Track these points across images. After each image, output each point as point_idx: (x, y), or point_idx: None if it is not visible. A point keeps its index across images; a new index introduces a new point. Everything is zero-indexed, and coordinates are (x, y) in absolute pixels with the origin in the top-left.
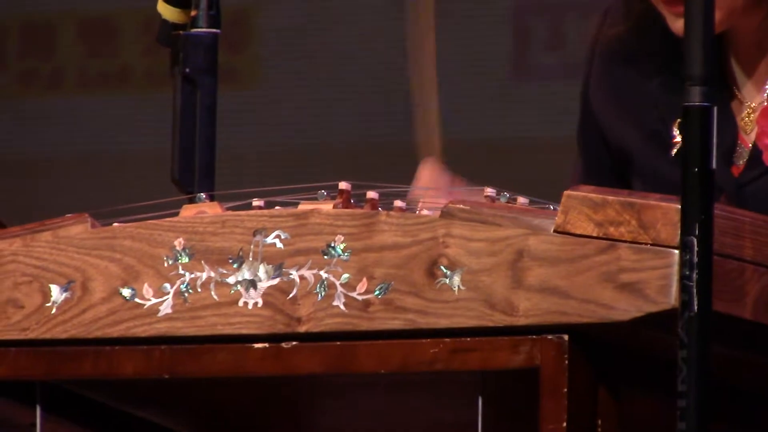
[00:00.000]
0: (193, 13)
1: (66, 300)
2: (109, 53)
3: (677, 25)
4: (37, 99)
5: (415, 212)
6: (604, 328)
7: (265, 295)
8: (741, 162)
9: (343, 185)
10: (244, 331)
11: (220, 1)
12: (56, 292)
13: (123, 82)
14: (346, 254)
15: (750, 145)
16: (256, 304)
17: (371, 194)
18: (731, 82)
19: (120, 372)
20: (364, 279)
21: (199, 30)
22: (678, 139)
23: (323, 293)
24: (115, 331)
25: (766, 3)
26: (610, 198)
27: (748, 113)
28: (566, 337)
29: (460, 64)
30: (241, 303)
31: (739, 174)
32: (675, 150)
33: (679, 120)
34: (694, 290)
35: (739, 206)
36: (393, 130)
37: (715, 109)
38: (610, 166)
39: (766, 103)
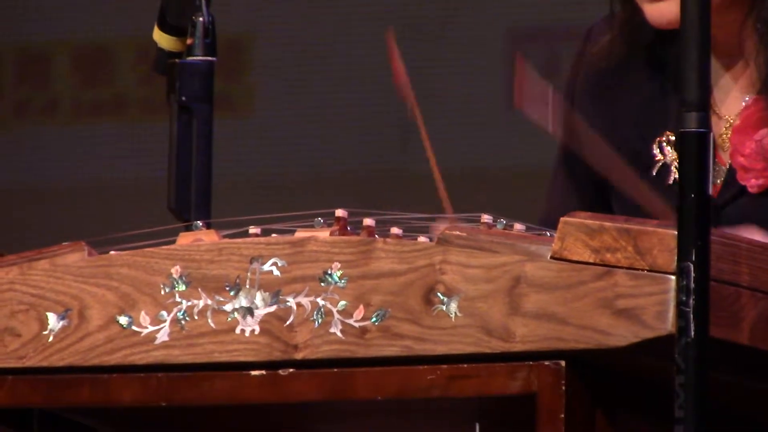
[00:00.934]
0: (189, 41)
1: (63, 328)
2: (105, 82)
3: (652, 10)
4: (33, 128)
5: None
6: (601, 354)
7: (262, 322)
8: (718, 181)
9: (339, 212)
10: (241, 359)
11: (216, 30)
12: (53, 320)
13: (118, 110)
14: (342, 281)
15: (727, 163)
16: (253, 331)
17: (368, 221)
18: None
19: (117, 400)
20: (361, 306)
21: (194, 58)
22: (659, 157)
23: (320, 320)
24: (113, 359)
25: (744, 5)
26: (607, 224)
27: (726, 129)
28: (563, 363)
29: (456, 92)
30: (238, 330)
31: (716, 194)
32: (656, 169)
33: (659, 138)
34: (691, 316)
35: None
36: (389, 157)
37: (711, 135)
38: (593, 193)
39: (737, 121)
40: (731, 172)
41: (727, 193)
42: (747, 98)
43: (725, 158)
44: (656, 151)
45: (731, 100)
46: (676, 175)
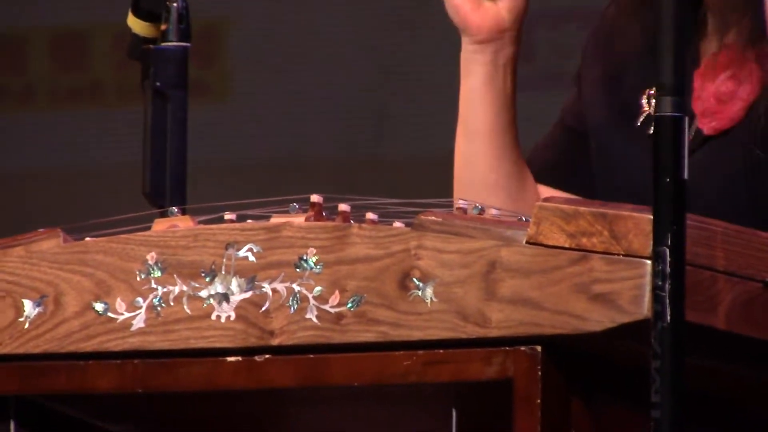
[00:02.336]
0: (163, 27)
1: (39, 315)
2: (81, 68)
3: None
4: (8, 114)
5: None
6: (577, 339)
7: (237, 308)
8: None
9: (314, 198)
10: (217, 345)
11: (190, 15)
12: (29, 307)
13: (94, 96)
14: (318, 267)
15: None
16: (228, 317)
17: (343, 207)
18: (702, 50)
19: (94, 386)
20: (337, 292)
21: (169, 44)
22: (645, 108)
23: (296, 306)
24: (89, 346)
25: None
26: (582, 209)
27: None
28: (539, 348)
29: (431, 77)
30: (213, 316)
31: None
32: (642, 119)
33: (648, 90)
34: (667, 300)
35: None
36: (364, 142)
37: (687, 119)
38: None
39: (701, 66)
40: (693, 118)
41: (692, 144)
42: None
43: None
44: (644, 101)
45: (707, 47)
46: None
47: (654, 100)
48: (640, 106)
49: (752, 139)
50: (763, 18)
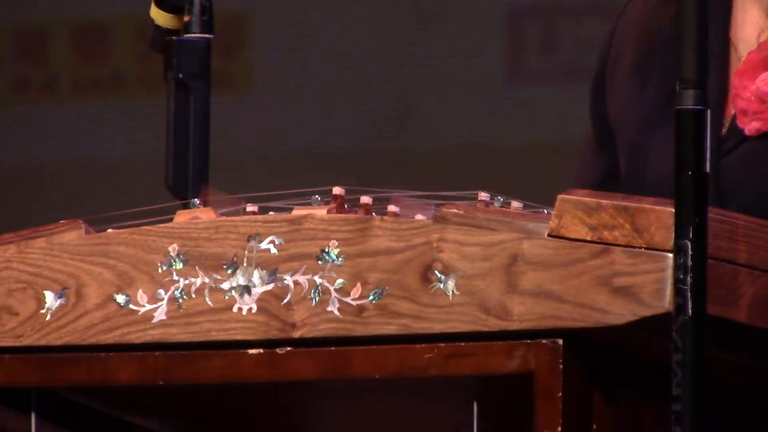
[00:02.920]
0: (186, 18)
1: (60, 306)
2: (103, 60)
3: None
4: (31, 106)
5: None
6: (598, 332)
7: (259, 300)
8: (724, 130)
9: (336, 190)
10: (239, 337)
11: (213, 7)
12: (50, 299)
13: (116, 88)
14: (340, 259)
15: (732, 113)
16: (250, 309)
17: (365, 199)
18: (732, 38)
19: (114, 378)
20: (359, 284)
21: (191, 35)
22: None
23: (317, 299)
24: (110, 338)
25: None
26: (604, 202)
27: None
28: (561, 341)
29: (454, 69)
30: (235, 309)
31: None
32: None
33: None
34: (689, 294)
35: (717, 177)
36: (387, 135)
37: (708, 112)
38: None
39: (741, 64)
40: (734, 119)
41: (729, 141)
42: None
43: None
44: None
45: (751, 46)
46: None
47: None
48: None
49: None
50: None
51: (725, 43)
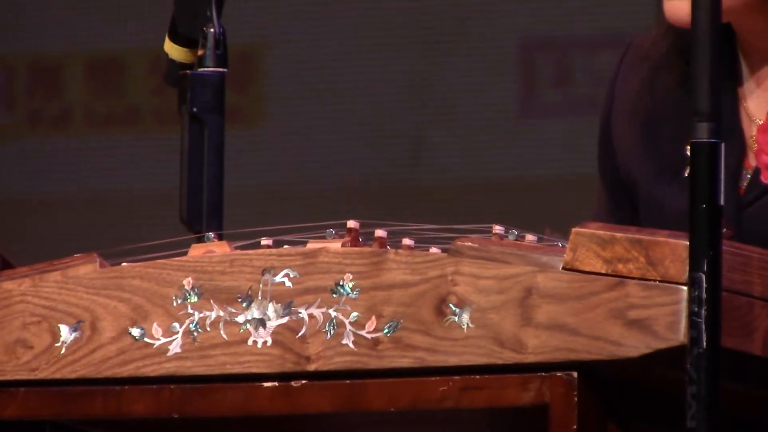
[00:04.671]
0: (200, 52)
1: (75, 340)
2: (117, 93)
3: (669, 6)
4: (45, 139)
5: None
6: (613, 364)
7: (274, 333)
8: (744, 183)
9: (351, 224)
10: (254, 370)
11: (227, 41)
12: (65, 332)
13: (131, 121)
14: (354, 292)
15: (753, 165)
16: (265, 342)
17: (379, 232)
18: (741, 97)
19: (130, 411)
20: (373, 317)
21: (206, 69)
22: None
23: (332, 332)
24: (125, 371)
25: None
26: (618, 235)
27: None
28: (575, 374)
29: (467, 103)
30: (250, 342)
31: (741, 195)
32: (687, 170)
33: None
34: (703, 326)
35: (739, 229)
36: (400, 169)
37: (723, 145)
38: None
39: (761, 121)
40: (756, 172)
41: (751, 193)
42: None
43: (753, 161)
44: (688, 152)
45: (763, 102)
46: None
47: None
48: (685, 157)
49: None
50: None
51: (737, 110)
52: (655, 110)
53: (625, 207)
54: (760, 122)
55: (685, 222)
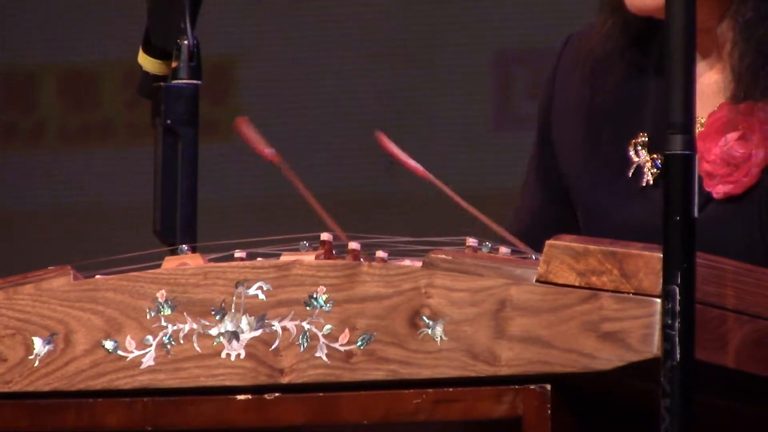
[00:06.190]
0: (173, 64)
1: (49, 352)
2: (90, 106)
3: None
4: (18, 152)
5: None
6: (586, 377)
7: (247, 346)
8: None
9: (324, 236)
10: (227, 383)
11: (201, 53)
12: (39, 345)
13: (104, 134)
14: (328, 305)
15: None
16: (238, 355)
17: (353, 245)
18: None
19: (103, 424)
20: (347, 330)
21: (179, 81)
22: (635, 159)
23: (306, 344)
24: (98, 384)
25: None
26: (592, 247)
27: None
28: (549, 386)
29: (442, 115)
30: (223, 354)
31: None
32: (632, 170)
33: (634, 140)
34: (677, 339)
35: None
36: (374, 181)
37: (696, 157)
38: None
39: (702, 128)
40: (698, 180)
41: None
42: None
43: None
44: (631, 152)
45: (706, 104)
46: (649, 178)
47: (640, 149)
48: (629, 157)
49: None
50: (763, 75)
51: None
52: (597, 109)
53: (561, 200)
54: (700, 129)
55: (631, 235)
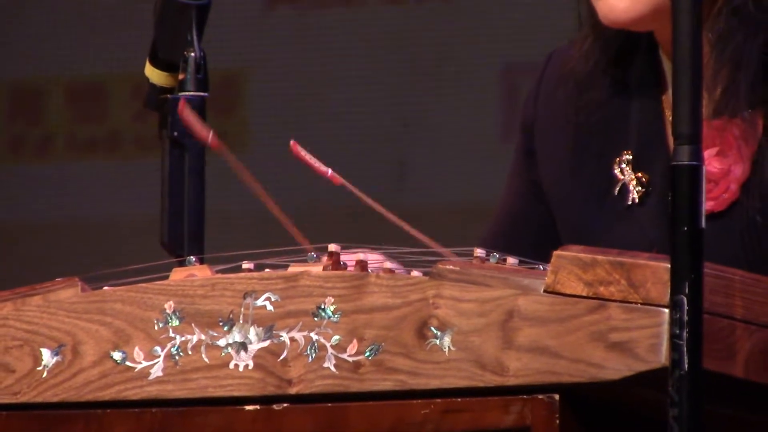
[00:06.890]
0: (180, 76)
1: (57, 364)
2: (98, 118)
3: (603, 5)
4: (26, 164)
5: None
6: (594, 387)
7: (255, 357)
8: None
9: (332, 247)
10: (235, 394)
11: (208, 65)
12: (47, 356)
13: (112, 146)
14: (336, 316)
15: None
16: (246, 366)
17: (360, 256)
18: (665, 106)
19: None
20: (355, 340)
21: (186, 93)
22: (621, 177)
23: (314, 355)
24: (106, 395)
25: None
26: (600, 257)
27: None
28: (557, 396)
29: (449, 127)
30: (231, 365)
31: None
32: (617, 189)
33: (618, 158)
34: (685, 349)
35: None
36: (383, 193)
37: (704, 168)
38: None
39: None
40: None
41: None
42: None
43: None
44: (617, 171)
45: None
46: (635, 196)
47: (624, 167)
48: (614, 175)
49: (750, 216)
50: (737, 90)
51: (661, 118)
52: (581, 127)
53: (541, 204)
54: None
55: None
